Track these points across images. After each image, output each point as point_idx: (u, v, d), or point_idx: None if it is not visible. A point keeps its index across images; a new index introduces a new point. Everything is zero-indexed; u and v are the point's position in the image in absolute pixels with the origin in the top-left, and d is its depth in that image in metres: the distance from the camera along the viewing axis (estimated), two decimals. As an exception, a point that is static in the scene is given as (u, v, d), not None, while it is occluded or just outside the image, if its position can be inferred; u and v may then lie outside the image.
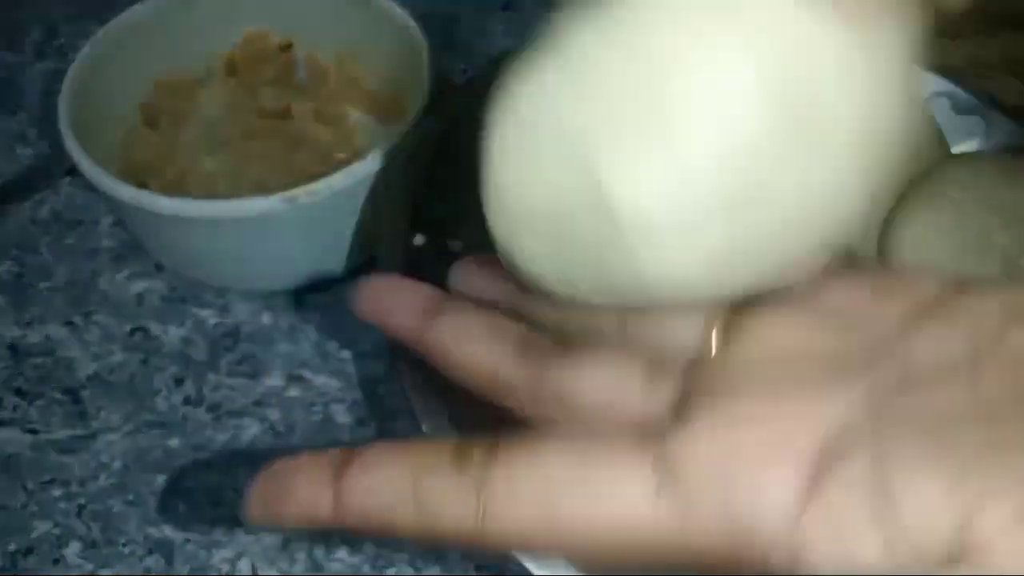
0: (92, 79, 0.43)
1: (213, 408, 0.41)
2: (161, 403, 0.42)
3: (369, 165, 0.39)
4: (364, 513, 0.21)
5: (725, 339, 0.21)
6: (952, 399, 0.18)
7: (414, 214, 0.37)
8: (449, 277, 0.28)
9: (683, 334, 0.21)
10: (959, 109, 0.42)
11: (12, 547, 0.38)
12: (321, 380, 0.42)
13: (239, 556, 0.37)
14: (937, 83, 0.43)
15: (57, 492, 0.39)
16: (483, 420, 0.31)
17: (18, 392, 0.42)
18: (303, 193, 0.38)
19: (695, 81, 0.19)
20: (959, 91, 0.42)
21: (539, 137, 0.21)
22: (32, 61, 0.55)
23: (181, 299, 0.45)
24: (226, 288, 0.45)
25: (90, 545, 0.38)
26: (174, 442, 0.40)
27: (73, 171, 0.42)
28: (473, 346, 0.24)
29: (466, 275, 0.28)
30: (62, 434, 0.41)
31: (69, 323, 0.44)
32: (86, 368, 0.43)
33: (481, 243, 0.37)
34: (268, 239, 0.41)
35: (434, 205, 0.37)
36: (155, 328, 0.44)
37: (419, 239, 0.37)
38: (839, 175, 0.20)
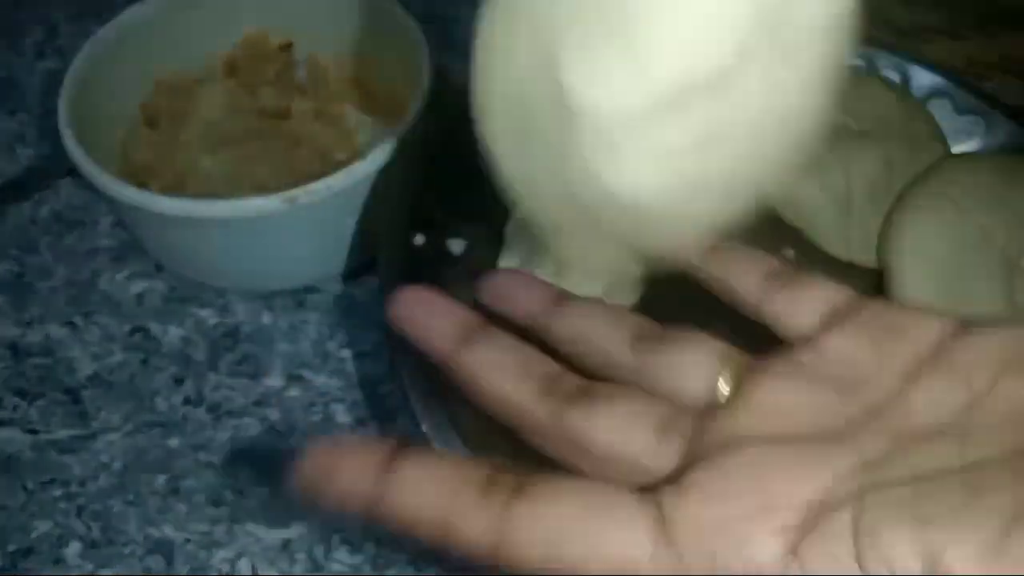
0: (92, 79, 0.43)
1: (213, 408, 0.41)
2: (161, 403, 0.42)
3: (369, 165, 0.39)
4: (397, 510, 0.22)
5: (732, 398, 0.22)
6: (938, 458, 0.19)
7: (414, 214, 0.37)
8: (476, 291, 0.29)
9: (694, 383, 0.23)
10: (959, 109, 0.42)
11: (12, 547, 0.38)
12: (321, 380, 0.42)
13: (239, 556, 0.37)
14: (937, 83, 0.43)
15: (57, 492, 0.39)
16: (483, 421, 0.31)
17: (18, 392, 0.42)
18: (303, 193, 0.38)
19: None
20: (959, 91, 0.42)
21: (515, 27, 0.21)
22: (32, 61, 0.55)
23: (181, 299, 0.45)
24: (226, 288, 0.45)
25: (90, 545, 0.38)
26: (174, 442, 0.40)
27: (73, 171, 0.42)
28: (501, 381, 0.25)
29: (493, 290, 0.29)
30: (62, 434, 0.41)
31: (69, 323, 0.44)
32: (86, 368, 0.43)
33: (481, 243, 0.37)
34: (268, 239, 0.41)
35: (434, 205, 0.37)
36: (155, 328, 0.44)
37: (419, 239, 0.37)
38: (804, 97, 0.20)
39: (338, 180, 0.39)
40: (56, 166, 0.48)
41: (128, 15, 0.45)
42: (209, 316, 0.44)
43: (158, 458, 0.40)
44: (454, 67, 0.51)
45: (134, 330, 0.44)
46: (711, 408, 0.22)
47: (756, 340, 0.24)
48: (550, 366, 0.25)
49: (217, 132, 0.47)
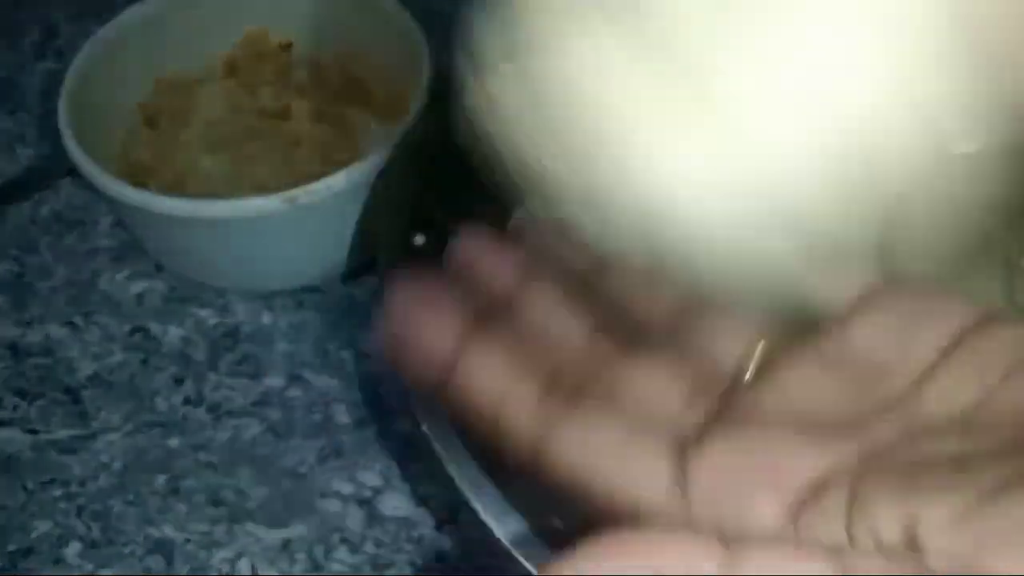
0: (92, 79, 0.43)
1: (213, 408, 0.41)
2: (161, 403, 0.42)
3: (369, 165, 0.39)
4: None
5: (758, 375, 0.23)
6: (937, 451, 0.20)
7: (414, 214, 0.37)
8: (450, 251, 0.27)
9: (727, 354, 0.24)
10: (959, 109, 0.42)
11: (12, 547, 0.38)
12: (321, 380, 0.42)
13: (239, 556, 0.37)
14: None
15: (57, 492, 0.39)
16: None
17: (18, 392, 0.42)
18: (303, 193, 0.38)
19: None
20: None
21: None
22: (32, 61, 0.55)
23: (181, 299, 0.45)
24: (226, 288, 0.45)
25: (90, 545, 0.38)
26: (174, 442, 0.40)
27: (73, 171, 0.42)
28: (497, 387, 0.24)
29: (469, 250, 0.28)
30: (62, 434, 0.41)
31: (69, 323, 0.44)
32: (86, 368, 0.43)
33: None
34: (268, 239, 0.41)
35: (434, 205, 0.37)
36: (155, 328, 0.44)
37: (419, 239, 0.37)
38: None
39: (338, 180, 0.39)
40: (56, 166, 0.48)
41: (128, 15, 0.45)
42: (209, 316, 0.44)
43: (158, 458, 0.40)
44: (454, 67, 0.51)
45: (134, 330, 0.44)
46: (738, 380, 0.23)
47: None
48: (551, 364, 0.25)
49: (217, 132, 0.47)
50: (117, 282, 0.46)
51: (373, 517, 0.38)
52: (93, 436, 0.41)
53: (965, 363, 0.22)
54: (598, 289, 0.26)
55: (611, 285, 0.26)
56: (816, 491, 0.20)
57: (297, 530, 0.38)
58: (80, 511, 0.39)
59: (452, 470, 0.29)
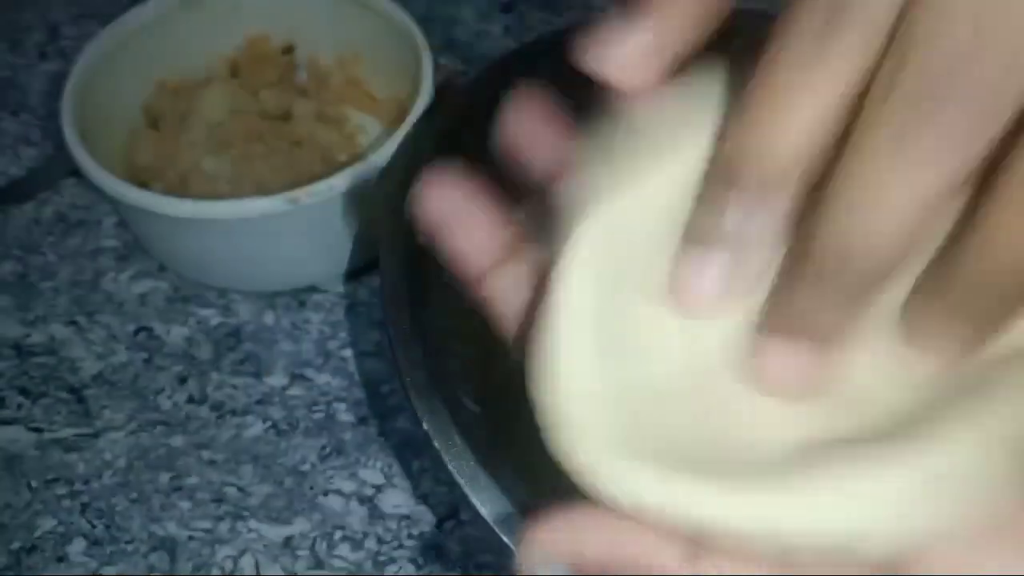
0: (95, 81, 0.44)
1: (216, 407, 0.42)
2: (164, 402, 0.42)
3: (370, 166, 0.39)
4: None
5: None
6: None
7: (414, 214, 0.37)
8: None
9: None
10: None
11: (16, 545, 0.38)
12: (323, 379, 0.43)
13: (242, 553, 0.38)
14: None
15: (61, 490, 0.39)
16: (483, 421, 0.31)
17: (22, 391, 0.42)
18: (305, 194, 0.39)
19: None
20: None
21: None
22: (35, 62, 0.56)
23: (184, 299, 0.45)
24: (229, 288, 0.45)
25: (94, 543, 0.38)
26: (177, 440, 0.41)
27: (76, 172, 0.42)
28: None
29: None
30: (66, 433, 0.41)
31: (73, 323, 0.45)
32: (90, 367, 0.43)
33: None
34: (270, 240, 0.41)
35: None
36: (158, 328, 0.44)
37: (420, 239, 0.37)
38: None
39: (340, 181, 0.39)
40: (59, 167, 0.49)
41: (131, 17, 0.46)
42: (212, 316, 0.45)
43: (161, 456, 0.40)
44: (454, 68, 0.51)
45: (138, 330, 0.44)
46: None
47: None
48: None
49: (219, 133, 0.47)
50: (120, 282, 0.46)
51: (374, 514, 0.39)
52: (97, 435, 0.41)
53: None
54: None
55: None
56: None
57: (299, 527, 0.38)
58: (84, 509, 0.39)
59: (452, 468, 0.29)
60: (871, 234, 0.17)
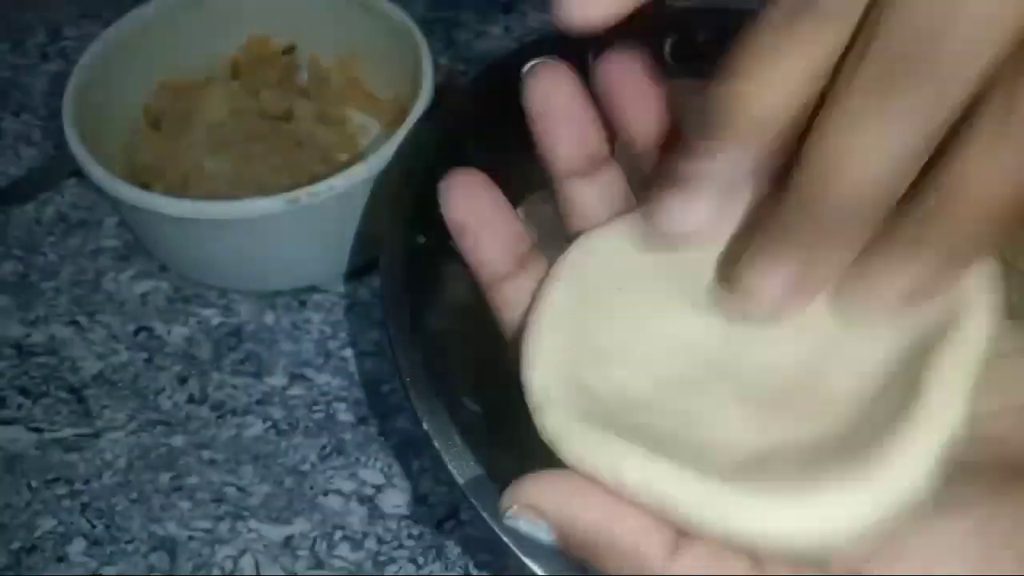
0: (96, 81, 0.44)
1: (216, 407, 0.42)
2: (165, 402, 0.42)
3: (370, 166, 0.39)
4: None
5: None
6: None
7: (415, 214, 0.37)
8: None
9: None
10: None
11: (16, 545, 0.38)
12: (323, 379, 0.43)
13: (242, 553, 0.38)
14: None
15: (61, 490, 0.39)
16: (483, 421, 0.31)
17: (23, 391, 0.42)
18: (305, 194, 0.39)
19: None
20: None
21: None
22: (36, 63, 0.56)
23: (185, 299, 0.45)
24: (229, 288, 0.45)
25: (94, 543, 0.38)
26: (177, 440, 0.41)
27: (77, 172, 0.42)
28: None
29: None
30: (66, 432, 0.41)
31: (74, 323, 0.45)
32: (90, 367, 0.43)
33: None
34: (270, 240, 0.41)
35: (436, 206, 0.38)
36: (159, 328, 0.44)
37: (420, 239, 0.37)
38: None
39: (340, 181, 0.39)
40: (60, 167, 0.49)
41: (132, 17, 0.46)
42: (212, 316, 0.45)
43: (162, 456, 0.40)
44: (454, 68, 0.51)
45: (138, 330, 0.44)
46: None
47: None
48: None
49: (220, 134, 0.47)
50: (121, 282, 0.46)
51: (374, 514, 0.39)
52: (97, 434, 0.41)
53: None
54: None
55: None
56: None
57: (299, 527, 0.38)
58: (84, 509, 0.39)
59: (452, 468, 0.29)
60: (853, 165, 0.19)
